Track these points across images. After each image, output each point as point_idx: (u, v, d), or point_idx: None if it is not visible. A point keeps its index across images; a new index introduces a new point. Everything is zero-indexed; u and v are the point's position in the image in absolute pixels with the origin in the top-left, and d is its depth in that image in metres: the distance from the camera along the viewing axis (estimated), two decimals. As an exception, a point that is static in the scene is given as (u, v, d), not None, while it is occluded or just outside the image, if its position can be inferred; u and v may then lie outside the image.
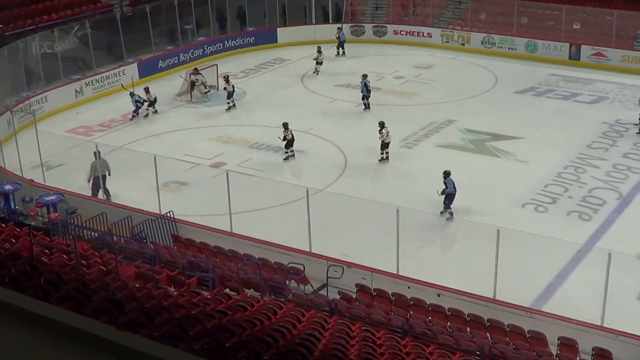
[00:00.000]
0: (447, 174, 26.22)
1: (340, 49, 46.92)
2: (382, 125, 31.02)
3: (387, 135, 31.13)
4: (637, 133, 33.68)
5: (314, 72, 43.52)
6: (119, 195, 27.45)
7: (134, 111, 36.75)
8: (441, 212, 26.42)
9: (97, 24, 43.20)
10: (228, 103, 37.79)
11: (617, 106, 37.45)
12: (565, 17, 45.78)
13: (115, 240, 23.65)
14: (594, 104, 37.80)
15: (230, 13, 49.49)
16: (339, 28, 47.41)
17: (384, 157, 31.27)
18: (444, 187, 26.10)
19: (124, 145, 32.27)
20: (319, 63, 43.48)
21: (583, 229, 25.58)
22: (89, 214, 25.09)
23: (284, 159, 31.31)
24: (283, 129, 31.30)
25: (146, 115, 37.13)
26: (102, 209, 25.40)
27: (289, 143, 31.45)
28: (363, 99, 37.29)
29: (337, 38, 46.74)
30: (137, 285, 16.96)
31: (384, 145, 31.28)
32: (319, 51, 43.41)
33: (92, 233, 24.45)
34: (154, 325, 11.84)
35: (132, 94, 36.53)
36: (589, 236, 25.05)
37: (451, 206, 26.30)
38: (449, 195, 26.21)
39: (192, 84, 39.38)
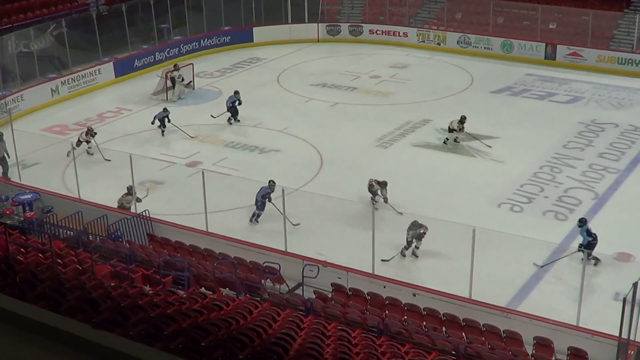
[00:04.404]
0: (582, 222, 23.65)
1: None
2: None
3: None
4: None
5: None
6: (95, 195, 27.29)
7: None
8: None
9: (73, 23, 43.07)
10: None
11: (593, 106, 37.61)
12: (541, 16, 45.97)
13: (91, 239, 23.59)
14: (569, 103, 37.94)
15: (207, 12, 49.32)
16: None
17: None
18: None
19: (99, 145, 32.08)
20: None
21: (559, 228, 25.65)
22: (65, 213, 25.00)
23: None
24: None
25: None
26: (78, 207, 25.28)
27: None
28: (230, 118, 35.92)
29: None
30: (112, 284, 16.92)
31: None
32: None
33: (68, 232, 24.39)
34: (129, 324, 11.82)
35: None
36: (564, 236, 25.09)
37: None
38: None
39: (173, 81, 39.22)
